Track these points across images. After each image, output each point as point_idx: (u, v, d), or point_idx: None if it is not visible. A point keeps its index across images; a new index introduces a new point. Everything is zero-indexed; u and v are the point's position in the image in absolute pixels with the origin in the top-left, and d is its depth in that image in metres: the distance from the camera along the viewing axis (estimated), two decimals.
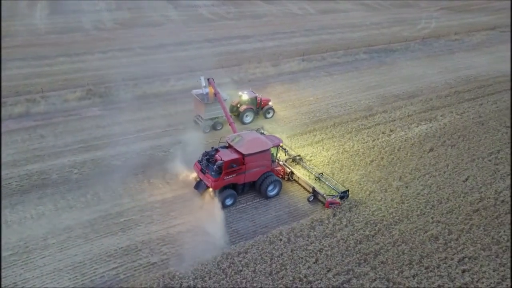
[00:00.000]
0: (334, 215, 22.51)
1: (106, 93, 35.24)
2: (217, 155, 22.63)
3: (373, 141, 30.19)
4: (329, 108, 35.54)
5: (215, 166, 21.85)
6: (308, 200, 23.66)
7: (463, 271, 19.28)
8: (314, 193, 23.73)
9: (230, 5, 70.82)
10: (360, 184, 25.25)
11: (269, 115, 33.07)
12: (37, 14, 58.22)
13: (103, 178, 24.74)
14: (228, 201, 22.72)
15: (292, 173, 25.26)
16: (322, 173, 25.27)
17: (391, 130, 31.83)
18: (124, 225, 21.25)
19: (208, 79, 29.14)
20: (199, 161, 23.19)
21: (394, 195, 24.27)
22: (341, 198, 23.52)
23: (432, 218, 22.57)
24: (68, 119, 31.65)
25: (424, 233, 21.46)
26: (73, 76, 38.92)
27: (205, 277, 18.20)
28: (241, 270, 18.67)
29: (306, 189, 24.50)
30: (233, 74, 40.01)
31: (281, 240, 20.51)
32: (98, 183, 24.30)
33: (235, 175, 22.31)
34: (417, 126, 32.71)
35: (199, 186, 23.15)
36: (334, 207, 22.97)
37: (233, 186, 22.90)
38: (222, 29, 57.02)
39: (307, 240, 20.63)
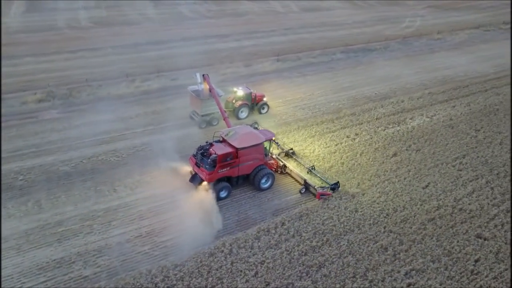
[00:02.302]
0: (283, 224, 21.75)
1: (67, 95, 34.33)
2: (211, 149, 23.26)
3: (336, 145, 29.38)
4: (296, 110, 34.68)
5: (209, 160, 22.48)
6: (300, 192, 24.26)
7: (408, 284, 18.53)
8: (306, 185, 24.33)
9: (212, 3, 69.72)
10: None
11: (263, 111, 33.69)
12: (12, 12, 57.02)
13: (48, 185, 23.97)
14: (223, 194, 23.28)
15: (284, 166, 25.86)
16: (313, 166, 26.06)
17: (356, 134, 31.02)
18: (62, 236, 20.42)
19: (203, 75, 29.13)
20: (194, 155, 23.68)
21: (349, 203, 23.48)
22: (332, 189, 24.03)
23: (384, 227, 21.81)
24: (23, 122, 30.69)
25: (373, 244, 20.70)
26: (37, 77, 37.90)
27: None
28: (174, 285, 17.88)
29: (298, 182, 25.04)
30: (200, 74, 38.97)
31: (222, 251, 19.72)
32: (42, 190, 23.51)
33: (229, 168, 22.99)
34: (384, 130, 31.89)
35: (194, 179, 23.66)
36: (325, 198, 23.56)
37: (228, 179, 23.55)
38: (201, 28, 56.00)
39: (250, 252, 19.85)
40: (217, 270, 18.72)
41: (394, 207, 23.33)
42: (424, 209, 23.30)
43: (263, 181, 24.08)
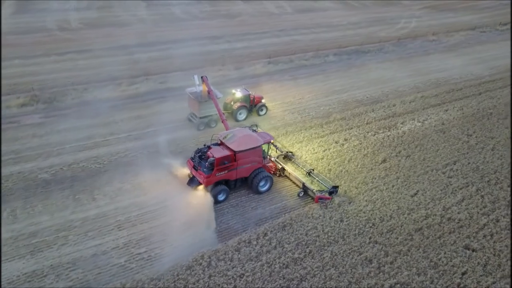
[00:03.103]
0: (265, 234, 21.06)
1: (51, 98, 33.62)
2: (209, 152, 23.05)
3: (324, 151, 28.69)
4: (285, 115, 34.00)
5: (207, 163, 22.35)
6: (299, 195, 24.12)
7: None
8: (304, 188, 24.18)
9: (206, 4, 69.01)
10: (300, 200, 23.91)
11: (262, 112, 33.59)
12: (1, 13, 56.21)
13: (25, 193, 23.31)
14: (221, 197, 23.20)
15: (283, 169, 25.67)
16: (313, 169, 25.70)
17: (345, 139, 30.33)
18: (35, 247, 19.79)
19: (202, 77, 28.77)
20: (192, 158, 23.49)
21: (334, 212, 22.81)
22: (330, 193, 23.66)
23: (369, 238, 21.14)
24: (5, 127, 29.96)
25: (358, 256, 20.04)
26: (23, 80, 37.15)
27: None
28: None
29: (297, 185, 24.92)
30: (190, 77, 38.27)
31: (201, 264, 19.04)
32: (19, 199, 22.86)
33: (226, 171, 22.83)
34: (374, 135, 31.20)
35: (192, 182, 23.51)
36: (324, 202, 23.19)
37: (225, 182, 23.43)
38: (193, 29, 55.25)
39: (229, 264, 19.17)
40: (194, 284, 18.07)
41: (380, 217, 22.66)
42: (411, 218, 22.63)
43: (261, 184, 23.92)
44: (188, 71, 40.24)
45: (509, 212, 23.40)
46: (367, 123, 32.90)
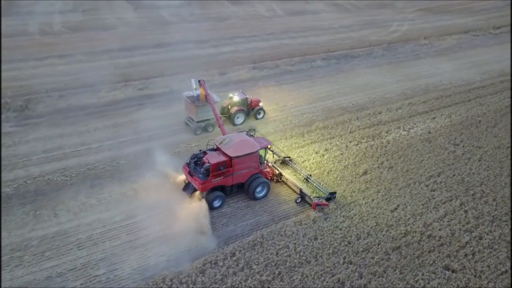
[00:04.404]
0: (233, 254, 19.92)
1: (23, 106, 32.44)
2: (204, 157, 22.78)
3: (303, 162, 27.54)
4: (266, 123, 32.85)
5: (202, 169, 22.00)
6: (296, 202, 23.76)
7: None
8: (302, 194, 23.82)
9: (196, 6, 67.79)
10: (273, 215, 22.77)
11: (259, 116, 33.24)
12: (1, 15, 54.79)
13: None
14: (216, 203, 22.79)
15: (280, 174, 25.34)
16: (310, 175, 25.22)
17: (326, 150, 29.17)
18: None
19: (199, 81, 28.21)
20: (188, 164, 23.02)
21: (308, 229, 21.67)
22: (328, 199, 23.34)
23: (344, 258, 20.01)
24: None
25: (330, 278, 18.92)
26: None
27: None
28: None
29: (294, 191, 24.49)
30: (171, 83, 37.31)
31: None
32: None
33: (222, 177, 22.47)
34: (357, 145, 30.06)
35: (187, 188, 23.19)
36: (321, 208, 22.82)
37: (221, 188, 23.00)
38: (179, 33, 53.90)
39: None
40: None
41: (357, 234, 21.53)
42: (389, 236, 21.50)
43: (258, 190, 23.51)
44: (170, 77, 39.37)
45: (492, 229, 22.30)
46: (350, 132, 31.76)
